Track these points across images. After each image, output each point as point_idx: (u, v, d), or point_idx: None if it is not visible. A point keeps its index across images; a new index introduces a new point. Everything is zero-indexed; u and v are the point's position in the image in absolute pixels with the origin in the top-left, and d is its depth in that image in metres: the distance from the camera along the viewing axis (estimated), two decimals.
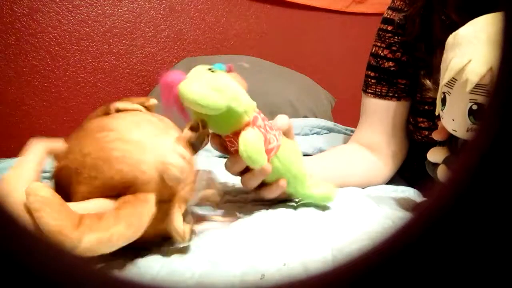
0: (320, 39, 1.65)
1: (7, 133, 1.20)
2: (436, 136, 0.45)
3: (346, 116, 1.27)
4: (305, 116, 1.21)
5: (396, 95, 0.66)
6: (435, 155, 0.45)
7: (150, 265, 0.35)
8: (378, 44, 0.68)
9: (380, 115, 0.67)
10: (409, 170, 0.73)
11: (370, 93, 0.68)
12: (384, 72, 0.67)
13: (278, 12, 1.57)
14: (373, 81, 0.68)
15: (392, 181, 0.68)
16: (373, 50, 0.69)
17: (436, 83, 0.59)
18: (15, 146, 1.20)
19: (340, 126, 1.10)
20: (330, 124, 1.09)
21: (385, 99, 0.66)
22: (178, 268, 0.34)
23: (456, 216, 0.18)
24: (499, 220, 0.18)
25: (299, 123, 1.04)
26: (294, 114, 1.20)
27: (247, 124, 0.46)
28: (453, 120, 0.40)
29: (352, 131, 1.07)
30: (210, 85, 0.44)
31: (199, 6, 1.44)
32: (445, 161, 0.44)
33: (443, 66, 0.41)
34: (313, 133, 1.04)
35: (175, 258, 0.37)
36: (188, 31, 1.43)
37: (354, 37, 1.67)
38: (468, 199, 0.18)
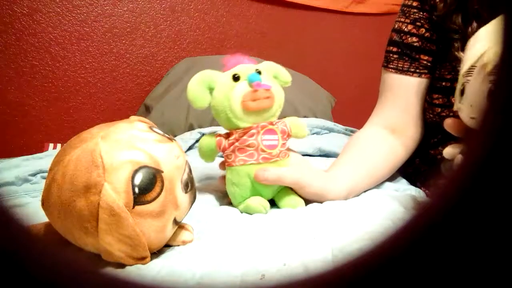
0: (320, 39, 1.65)
1: (7, 133, 1.20)
2: (448, 126, 0.43)
3: (346, 116, 1.27)
4: (305, 116, 1.21)
5: (417, 70, 0.66)
6: (451, 150, 0.45)
7: (151, 266, 0.34)
8: (402, 19, 0.69)
9: (401, 91, 0.68)
10: (412, 166, 0.73)
11: (392, 68, 0.68)
12: (407, 47, 0.67)
13: (278, 12, 1.57)
14: (395, 56, 0.68)
15: (394, 179, 0.67)
16: (396, 26, 0.70)
17: None
18: (15, 146, 1.21)
19: (340, 126, 1.09)
20: (330, 124, 1.09)
21: (406, 74, 0.67)
22: (178, 268, 0.34)
23: (457, 217, 0.18)
24: (501, 222, 0.18)
25: None
26: (294, 114, 1.19)
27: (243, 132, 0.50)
28: (471, 106, 0.40)
29: (352, 131, 1.07)
30: (208, 84, 0.49)
31: (199, 6, 1.44)
32: (462, 152, 0.44)
33: (463, 61, 0.41)
34: (313, 133, 1.04)
35: (176, 258, 0.37)
36: (188, 31, 1.43)
37: (354, 37, 1.67)
38: (469, 199, 0.18)
